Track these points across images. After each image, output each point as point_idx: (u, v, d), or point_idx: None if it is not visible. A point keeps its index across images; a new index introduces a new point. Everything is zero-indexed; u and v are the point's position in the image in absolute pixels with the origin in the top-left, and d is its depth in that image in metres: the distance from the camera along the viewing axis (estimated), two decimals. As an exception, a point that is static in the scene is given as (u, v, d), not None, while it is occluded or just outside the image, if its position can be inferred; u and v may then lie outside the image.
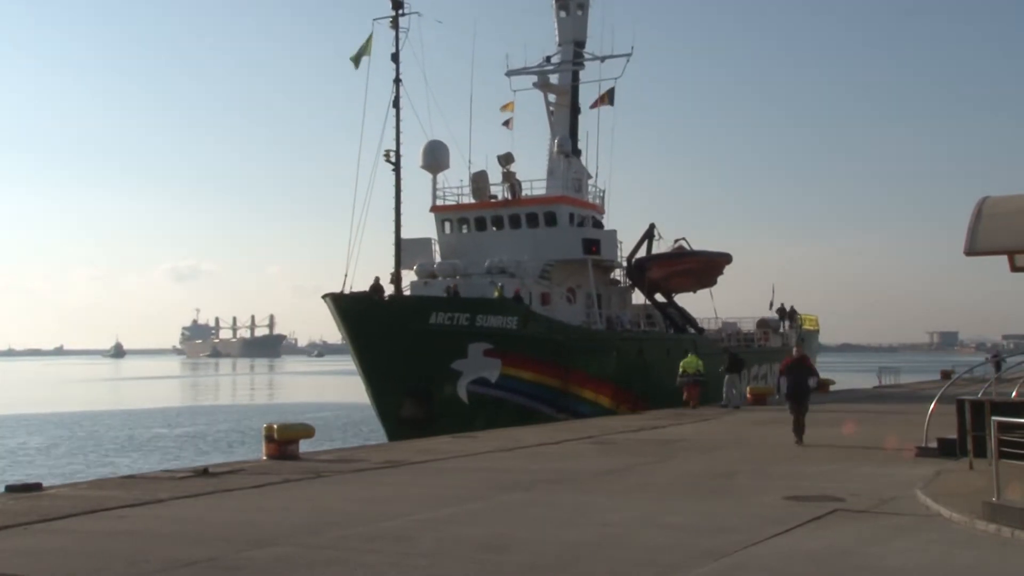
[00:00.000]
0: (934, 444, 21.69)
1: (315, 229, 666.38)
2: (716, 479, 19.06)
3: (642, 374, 46.50)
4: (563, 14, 55.30)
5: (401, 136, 41.00)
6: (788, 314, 66.89)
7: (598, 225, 53.13)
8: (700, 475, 19.70)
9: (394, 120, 40.88)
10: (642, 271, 53.66)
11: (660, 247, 55.16)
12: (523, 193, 50.54)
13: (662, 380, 45.88)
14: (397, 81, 41.36)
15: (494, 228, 49.80)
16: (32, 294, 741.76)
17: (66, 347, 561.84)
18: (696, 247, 56.68)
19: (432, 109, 76.89)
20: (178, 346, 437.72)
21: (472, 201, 50.58)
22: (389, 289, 41.53)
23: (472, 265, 47.04)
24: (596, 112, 55.39)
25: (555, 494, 17.42)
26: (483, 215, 50.08)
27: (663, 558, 12.00)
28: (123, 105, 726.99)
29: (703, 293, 59.63)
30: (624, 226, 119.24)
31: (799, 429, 24.81)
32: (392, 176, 40.86)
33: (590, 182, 54.38)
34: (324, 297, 39.78)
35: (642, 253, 54.65)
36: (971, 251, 16.73)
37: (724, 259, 57.38)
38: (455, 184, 50.81)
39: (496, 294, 42.42)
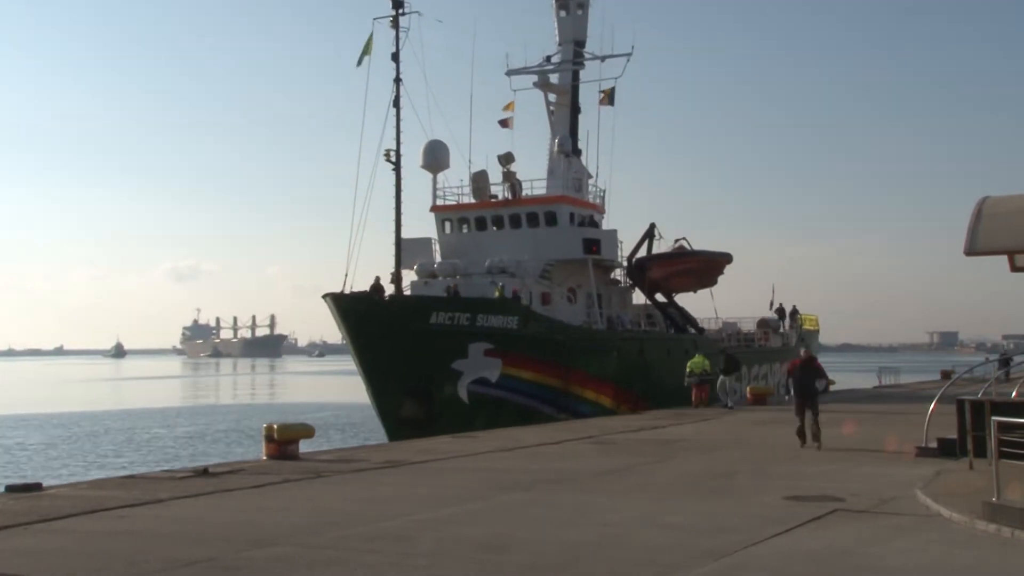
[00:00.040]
0: (934, 444, 21.70)
1: (315, 229, 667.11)
2: (716, 479, 19.07)
3: (643, 374, 46.49)
4: (563, 14, 55.24)
5: (401, 136, 40.99)
6: (789, 314, 66.90)
7: (598, 225, 53.10)
8: (700, 475, 19.70)
9: (394, 120, 40.88)
10: (642, 271, 53.61)
11: (660, 247, 55.12)
12: (523, 193, 50.47)
13: (663, 380, 45.91)
14: (397, 81, 41.35)
15: (494, 228, 49.76)
16: (32, 294, 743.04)
17: (66, 347, 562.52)
18: (696, 247, 56.63)
19: (432, 109, 76.80)
20: (178, 346, 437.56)
21: (472, 201, 50.53)
22: (389, 289, 41.52)
23: (472, 265, 47.01)
24: (596, 112, 55.38)
25: (555, 494, 17.42)
26: (483, 215, 50.05)
27: (663, 558, 12.01)
28: (123, 105, 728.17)
29: (703, 293, 59.61)
30: (624, 226, 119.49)
31: (804, 434, 24.02)
32: (392, 176, 40.85)
33: (590, 182, 54.34)
34: (325, 297, 39.76)
35: (642, 253, 54.58)
36: (971, 251, 16.73)
37: (724, 259, 57.33)
38: (455, 184, 50.84)
39: (497, 294, 42.41)
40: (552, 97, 55.06)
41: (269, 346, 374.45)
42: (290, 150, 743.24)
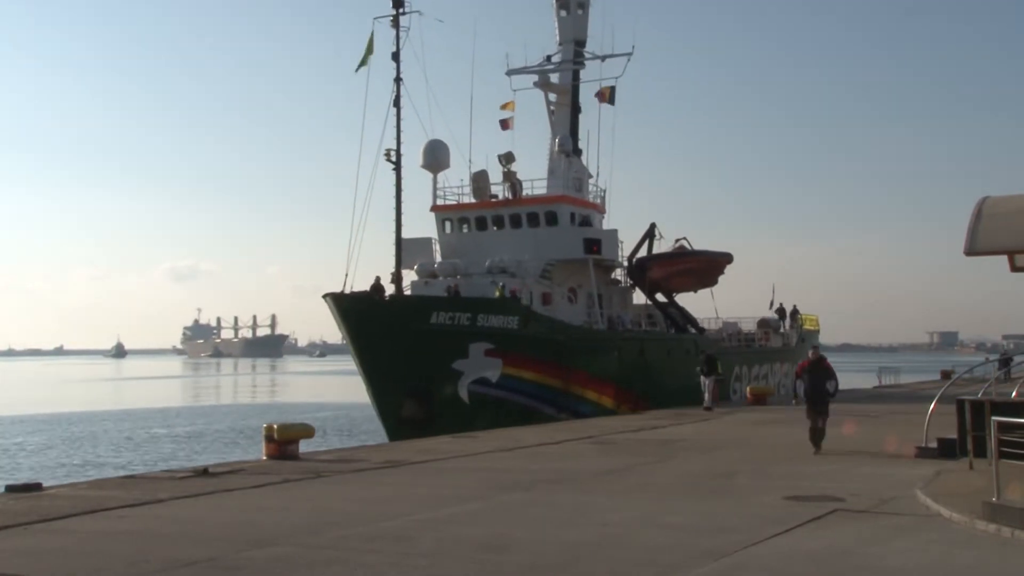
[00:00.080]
0: (934, 444, 21.70)
1: (315, 229, 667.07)
2: (716, 479, 19.07)
3: (643, 374, 46.48)
4: (563, 13, 55.18)
5: (402, 135, 40.97)
6: (789, 314, 66.86)
7: (599, 225, 53.08)
8: (700, 475, 19.71)
9: (395, 119, 40.87)
10: (643, 271, 53.57)
11: (661, 247, 55.06)
12: (524, 193, 50.43)
13: (663, 380, 45.91)
14: (398, 80, 41.33)
15: (495, 228, 49.74)
16: (32, 294, 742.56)
17: (66, 347, 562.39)
18: (697, 247, 56.60)
19: (432, 108, 76.72)
20: (178, 346, 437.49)
21: (473, 201, 50.49)
22: (390, 289, 41.50)
23: (473, 265, 47.00)
24: (596, 111, 55.31)
25: (555, 494, 17.43)
26: (484, 215, 50.03)
27: (663, 558, 12.01)
28: (123, 105, 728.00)
29: (704, 293, 59.55)
30: (625, 226, 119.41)
31: (816, 436, 23.25)
32: (392, 176, 40.83)
33: (591, 181, 54.28)
34: (325, 297, 39.73)
35: (643, 253, 54.56)
36: (971, 251, 16.73)
37: (725, 259, 57.27)
38: (455, 184, 50.80)
39: (497, 294, 42.41)
40: (552, 97, 55.02)
41: (270, 346, 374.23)
42: (290, 150, 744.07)
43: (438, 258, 49.54)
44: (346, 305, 38.86)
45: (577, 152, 53.86)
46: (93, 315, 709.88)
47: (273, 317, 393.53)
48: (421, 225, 54.57)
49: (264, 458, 23.37)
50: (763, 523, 14.05)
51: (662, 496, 17.03)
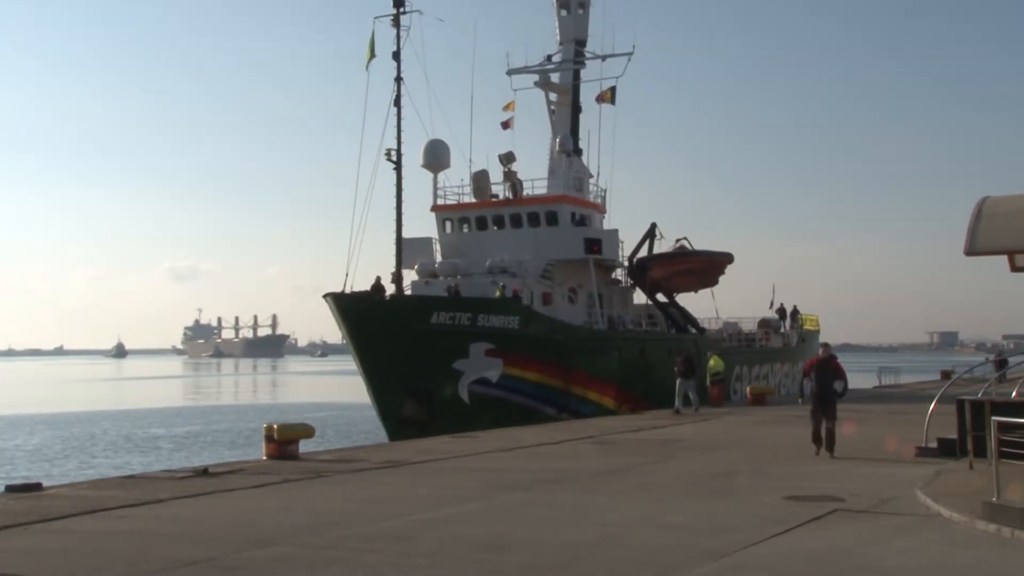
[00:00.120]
0: (934, 444, 21.70)
1: (315, 229, 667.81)
2: (716, 479, 19.07)
3: (644, 374, 46.45)
4: (564, 13, 55.17)
5: (402, 135, 40.96)
6: (790, 314, 66.85)
7: (600, 225, 53.06)
8: (700, 475, 19.71)
9: (395, 119, 40.84)
10: (643, 271, 53.55)
11: (661, 247, 55.04)
12: (524, 192, 50.42)
13: (664, 380, 45.86)
14: (398, 80, 41.29)
15: (495, 227, 49.72)
16: (32, 294, 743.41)
17: (66, 347, 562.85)
18: (697, 247, 56.59)
19: (433, 108, 76.71)
20: (178, 346, 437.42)
21: (473, 200, 50.48)
22: (390, 289, 41.48)
23: (473, 265, 46.99)
24: (597, 111, 55.31)
25: (555, 494, 17.43)
26: (484, 214, 50.01)
27: (663, 558, 12.01)
28: (123, 105, 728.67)
29: (704, 293, 59.54)
30: (625, 225, 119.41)
31: (820, 438, 22.24)
32: (393, 175, 40.80)
33: (591, 181, 54.26)
34: (325, 297, 39.71)
35: (643, 253, 54.54)
36: (971, 251, 16.75)
37: (726, 259, 57.24)
38: (456, 183, 50.80)
39: (497, 293, 42.40)
40: (553, 96, 55.02)
41: (271, 346, 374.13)
42: (290, 150, 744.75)
43: (438, 258, 49.54)
44: (346, 305, 38.84)
45: (578, 152, 53.85)
46: (93, 315, 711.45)
47: (274, 317, 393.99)
48: (421, 225, 54.69)
49: (264, 458, 23.36)
50: (763, 523, 14.04)
51: (662, 496, 17.03)
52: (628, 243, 54.00)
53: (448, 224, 50.73)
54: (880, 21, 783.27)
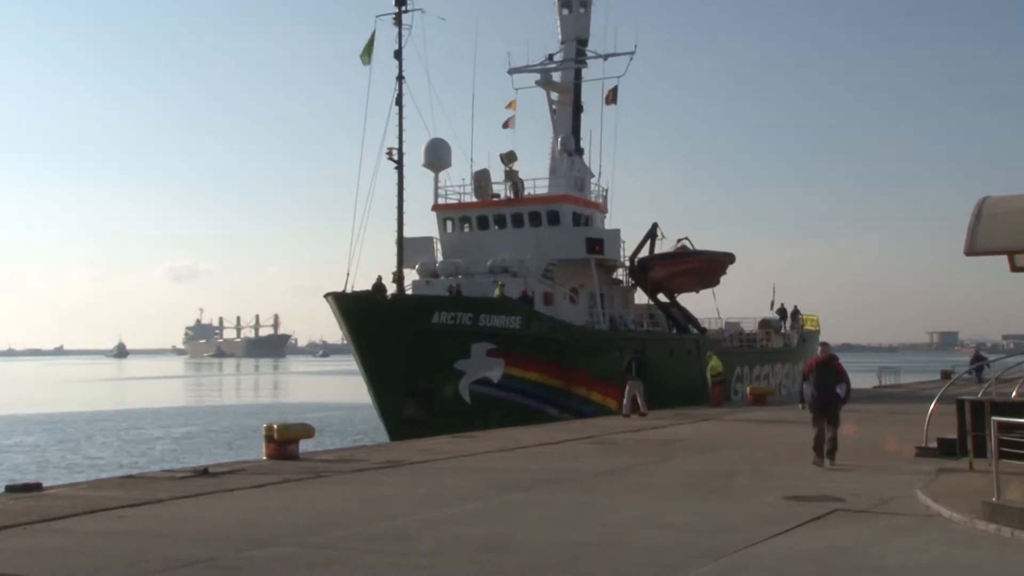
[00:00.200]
0: (934, 444, 21.69)
1: (315, 229, 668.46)
2: (716, 479, 19.07)
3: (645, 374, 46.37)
4: (566, 12, 55.15)
5: (403, 134, 40.95)
6: (791, 314, 66.84)
7: (601, 224, 53.04)
8: (700, 475, 19.70)
9: (396, 118, 40.84)
10: (645, 271, 53.55)
11: (663, 247, 55.05)
12: (525, 192, 50.42)
13: (665, 380, 45.83)
14: (400, 78, 41.28)
15: (496, 227, 49.70)
16: (32, 294, 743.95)
17: (66, 347, 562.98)
18: (698, 247, 56.56)
19: (434, 107, 76.83)
20: (178, 346, 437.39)
21: (474, 200, 50.48)
22: (391, 288, 41.45)
23: (474, 264, 46.98)
24: (599, 110, 55.31)
25: (555, 494, 17.42)
26: (485, 214, 50.00)
27: (663, 558, 12.00)
28: (123, 105, 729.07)
29: (705, 293, 59.50)
30: (627, 225, 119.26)
31: (821, 446, 20.79)
32: (394, 174, 40.81)
33: (592, 181, 54.25)
34: (326, 296, 39.70)
35: (645, 253, 54.53)
36: (971, 251, 16.75)
37: (727, 259, 57.20)
38: (457, 183, 50.79)
39: (497, 293, 42.36)
40: (554, 96, 55.01)
41: (273, 346, 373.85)
42: (290, 150, 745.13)
43: (439, 257, 49.51)
44: (347, 305, 38.83)
45: (579, 151, 53.83)
46: (93, 315, 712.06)
47: (276, 317, 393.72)
48: (422, 224, 54.59)
49: (264, 458, 23.35)
50: (763, 523, 14.04)
51: (662, 496, 17.02)
52: (629, 243, 54.07)
53: (449, 224, 50.72)
54: (880, 21, 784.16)
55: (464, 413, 37.97)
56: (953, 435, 20.74)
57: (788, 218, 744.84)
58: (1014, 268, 18.73)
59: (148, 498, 17.08)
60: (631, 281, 55.00)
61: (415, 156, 47.07)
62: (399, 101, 40.91)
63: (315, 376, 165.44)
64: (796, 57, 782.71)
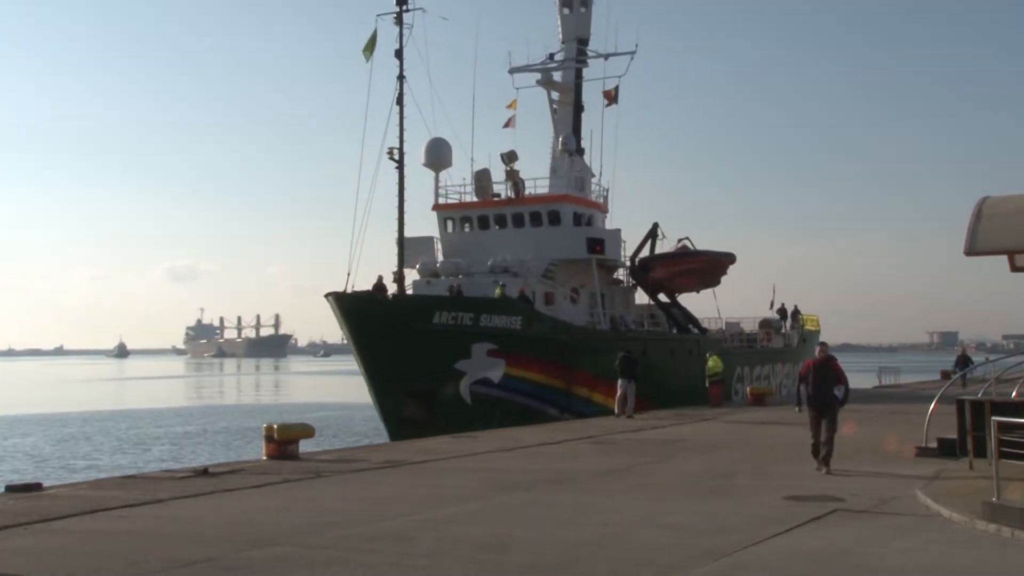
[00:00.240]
0: (934, 444, 21.70)
1: (315, 229, 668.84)
2: (716, 479, 19.07)
3: (646, 375, 46.34)
4: (566, 11, 55.09)
5: (404, 133, 40.93)
6: (791, 314, 66.79)
7: (602, 224, 53.02)
8: (700, 475, 19.70)
9: (397, 117, 40.81)
10: (645, 271, 53.54)
11: (663, 247, 55.03)
12: (526, 192, 50.40)
13: (666, 381, 45.83)
14: (401, 78, 41.23)
15: (497, 227, 49.67)
16: (32, 294, 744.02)
17: (66, 347, 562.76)
18: (699, 247, 56.54)
19: (435, 106, 76.85)
20: (179, 346, 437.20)
21: (475, 199, 50.46)
22: (392, 288, 41.42)
23: (475, 264, 46.95)
24: (599, 110, 55.28)
25: (555, 494, 17.43)
26: (486, 214, 49.97)
27: (663, 558, 12.01)
28: (123, 105, 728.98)
29: (706, 293, 59.45)
30: (627, 225, 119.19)
31: (819, 450, 20.05)
32: (394, 174, 40.79)
33: (593, 181, 54.21)
34: (327, 296, 39.69)
35: (645, 253, 54.51)
36: (971, 251, 16.73)
37: (728, 259, 57.17)
38: (458, 182, 50.76)
39: (497, 293, 42.33)
40: (555, 95, 54.96)
41: (274, 346, 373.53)
42: (290, 150, 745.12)
43: (440, 257, 49.47)
44: (348, 304, 38.81)
45: (580, 151, 53.79)
46: (93, 315, 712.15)
47: (277, 317, 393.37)
48: (423, 224, 54.53)
49: (264, 458, 23.36)
50: (763, 523, 14.04)
51: (662, 496, 17.03)
52: (630, 243, 54.06)
53: (450, 223, 50.70)
54: (880, 21, 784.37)
55: (464, 413, 37.96)
56: (953, 435, 20.75)
57: (788, 218, 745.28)
58: (1014, 268, 18.72)
59: (148, 498, 17.08)
60: (632, 281, 54.99)
61: (416, 156, 47.06)
62: (400, 100, 40.90)
63: (316, 376, 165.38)
64: (796, 57, 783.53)
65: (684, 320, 55.82)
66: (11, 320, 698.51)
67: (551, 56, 55.29)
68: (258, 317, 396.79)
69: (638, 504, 16.13)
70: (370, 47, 41.24)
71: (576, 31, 54.94)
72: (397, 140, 40.69)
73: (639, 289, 55.09)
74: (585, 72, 55.66)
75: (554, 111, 54.89)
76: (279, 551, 12.64)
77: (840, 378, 20.08)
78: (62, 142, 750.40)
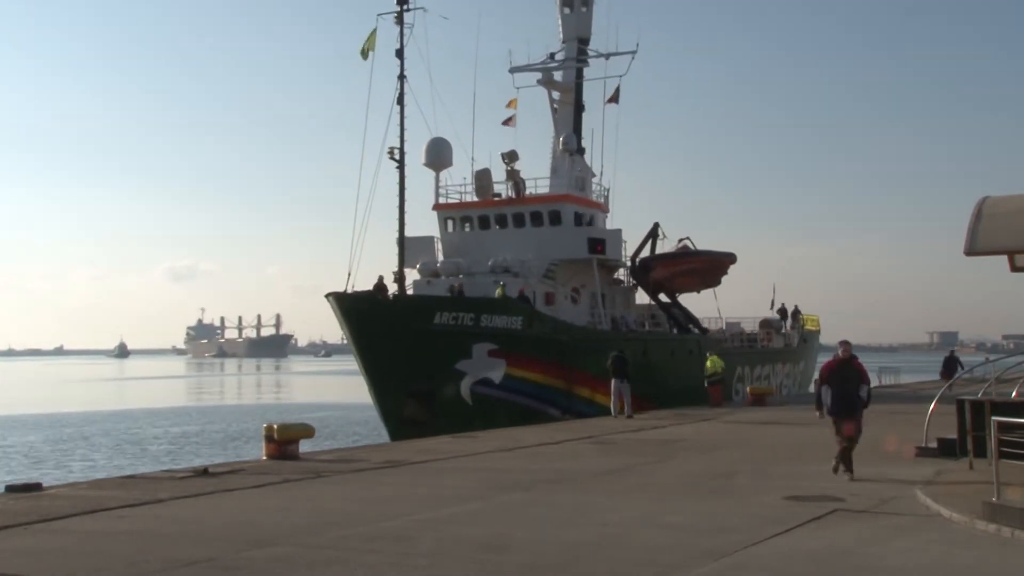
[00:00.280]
0: (934, 444, 21.69)
1: (315, 229, 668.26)
2: (716, 479, 19.06)
3: (647, 375, 46.35)
4: (567, 10, 55.03)
5: (405, 133, 40.92)
6: (791, 314, 66.78)
7: (603, 224, 53.01)
8: (700, 475, 19.70)
9: (398, 117, 40.78)
10: (646, 271, 53.51)
11: (664, 247, 54.99)
12: (527, 191, 50.39)
13: (667, 381, 45.83)
14: (401, 77, 41.21)
15: (498, 227, 49.65)
16: (32, 294, 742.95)
17: (66, 347, 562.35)
18: (699, 247, 56.52)
19: (436, 106, 76.72)
20: (179, 346, 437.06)
21: (475, 199, 50.46)
22: (393, 288, 41.41)
23: (475, 264, 46.93)
24: (600, 110, 55.25)
25: (555, 494, 17.43)
26: (487, 213, 49.96)
27: (663, 558, 12.01)
28: (123, 105, 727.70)
29: (706, 293, 59.41)
30: (628, 225, 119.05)
31: (847, 458, 18.90)
32: (394, 174, 40.77)
33: (594, 180, 54.19)
34: (328, 296, 39.69)
35: (646, 252, 54.50)
36: (971, 251, 16.73)
37: (728, 259, 57.14)
38: (458, 182, 50.73)
39: (498, 293, 42.32)
40: (556, 95, 54.91)
41: (275, 346, 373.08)
42: (290, 150, 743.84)
43: (440, 257, 49.44)
44: (348, 305, 38.81)
45: (580, 151, 53.77)
46: (93, 315, 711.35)
47: (278, 317, 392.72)
48: (423, 224, 54.50)
49: (264, 458, 23.37)
50: (763, 523, 14.05)
51: (662, 496, 17.03)
52: (631, 243, 54.01)
53: (450, 223, 50.69)
54: (880, 21, 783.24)
55: (464, 413, 37.95)
56: (953, 435, 20.75)
57: (788, 218, 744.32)
58: (1014, 268, 18.72)
59: (148, 498, 17.10)
60: (632, 281, 54.96)
61: (416, 155, 47.00)
62: (400, 100, 40.86)
63: (316, 376, 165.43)
64: (796, 57, 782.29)
65: (685, 320, 55.80)
66: (11, 320, 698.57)
67: (552, 56, 55.26)
68: (259, 317, 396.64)
69: (638, 504, 16.13)
70: (371, 45, 41.22)
71: (577, 30, 54.89)
72: (398, 140, 40.69)
73: (640, 289, 55.06)
74: (586, 72, 55.61)
75: (555, 111, 54.86)
76: (279, 551, 12.65)
77: (864, 378, 19.09)
78: (62, 142, 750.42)
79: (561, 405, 41.79)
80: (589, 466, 21.47)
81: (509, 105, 54.96)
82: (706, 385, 41.54)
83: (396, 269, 41.64)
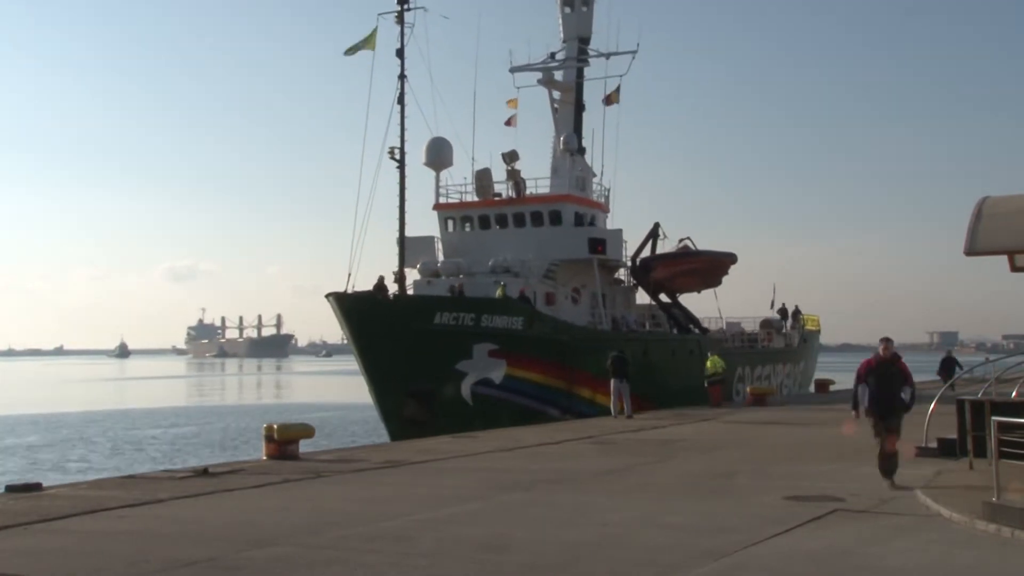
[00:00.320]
0: (934, 444, 21.67)
1: (315, 229, 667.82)
2: (716, 479, 19.07)
3: (647, 375, 46.33)
4: (568, 10, 55.01)
5: (405, 133, 40.92)
6: (792, 314, 66.78)
7: (603, 224, 53.00)
8: (700, 475, 19.71)
9: (398, 116, 40.80)
10: (647, 271, 53.51)
11: (665, 247, 54.98)
12: (527, 191, 50.40)
13: (667, 381, 45.82)
14: (402, 77, 41.23)
15: (498, 226, 49.65)
16: (32, 294, 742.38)
17: (66, 347, 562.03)
18: (700, 247, 56.52)
19: (436, 106, 76.70)
20: (179, 346, 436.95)
21: (476, 199, 50.47)
22: (393, 288, 41.42)
23: (476, 264, 46.93)
24: (600, 110, 55.26)
25: (555, 494, 17.44)
26: (487, 213, 49.96)
27: (663, 558, 12.01)
28: (123, 105, 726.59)
29: (707, 293, 59.39)
30: (629, 225, 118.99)
31: (889, 464, 17.88)
32: (395, 174, 40.78)
33: (594, 180, 54.18)
34: (328, 296, 39.69)
35: (647, 253, 54.49)
36: (971, 251, 16.72)
37: (729, 259, 57.14)
38: (459, 182, 50.73)
39: (499, 293, 42.31)
40: (556, 94, 54.91)
41: (275, 346, 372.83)
42: (290, 150, 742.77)
43: (441, 257, 49.44)
44: (348, 305, 38.82)
45: (581, 151, 53.76)
46: (93, 315, 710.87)
47: (279, 317, 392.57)
48: (423, 223, 54.50)
49: (264, 458, 23.39)
50: (763, 523, 14.04)
51: (662, 496, 17.03)
52: (631, 243, 53.99)
53: (451, 223, 50.69)
54: (880, 21, 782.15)
55: (465, 413, 37.95)
56: (953, 435, 20.74)
57: (788, 218, 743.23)
58: (1014, 268, 18.72)
59: (148, 498, 17.10)
60: (633, 281, 54.97)
61: (417, 155, 47.00)
62: (401, 100, 40.87)
63: (317, 376, 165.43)
64: (796, 57, 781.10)
65: (685, 320, 55.80)
66: (11, 320, 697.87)
67: (552, 55, 55.25)
68: (259, 317, 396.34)
69: (638, 504, 16.13)
70: (366, 45, 41.22)
71: (577, 30, 54.87)
72: (398, 140, 40.69)
73: (640, 289, 55.06)
74: (586, 71, 55.61)
75: (555, 110, 54.86)
76: (279, 551, 12.65)
77: (908, 380, 17.78)
78: (62, 142, 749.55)
79: (561, 405, 41.78)
80: (589, 466, 21.48)
81: (509, 105, 55.00)
82: (706, 385, 41.60)
83: (396, 269, 41.66)
